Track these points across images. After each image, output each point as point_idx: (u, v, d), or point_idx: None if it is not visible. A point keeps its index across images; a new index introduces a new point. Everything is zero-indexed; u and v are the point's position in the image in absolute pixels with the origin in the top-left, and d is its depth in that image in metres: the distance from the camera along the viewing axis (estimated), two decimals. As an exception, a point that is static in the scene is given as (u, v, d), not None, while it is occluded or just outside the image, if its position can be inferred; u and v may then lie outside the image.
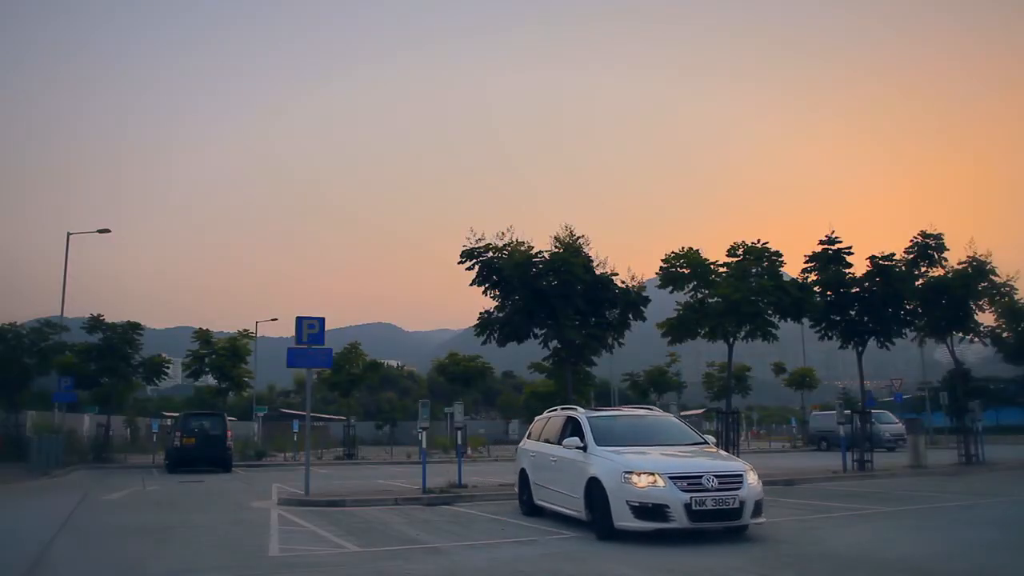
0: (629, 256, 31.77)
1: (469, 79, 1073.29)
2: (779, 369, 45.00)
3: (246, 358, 32.53)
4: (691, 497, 8.09)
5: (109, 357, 28.99)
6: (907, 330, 22.34)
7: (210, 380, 34.82)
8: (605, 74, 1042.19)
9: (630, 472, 8.42)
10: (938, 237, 22.01)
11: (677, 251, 18.95)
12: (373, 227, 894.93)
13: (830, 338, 21.88)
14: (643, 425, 10.42)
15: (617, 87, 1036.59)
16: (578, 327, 18.31)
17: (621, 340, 19.59)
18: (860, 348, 21.49)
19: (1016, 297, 23.77)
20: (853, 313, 21.14)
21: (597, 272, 18.48)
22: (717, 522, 8.29)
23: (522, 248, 18.13)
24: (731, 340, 18.90)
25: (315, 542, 9.27)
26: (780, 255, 18.64)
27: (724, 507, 8.17)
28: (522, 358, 30.29)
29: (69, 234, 30.45)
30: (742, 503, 8.22)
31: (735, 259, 18.69)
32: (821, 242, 20.94)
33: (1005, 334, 27.25)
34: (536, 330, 18.70)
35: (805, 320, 20.67)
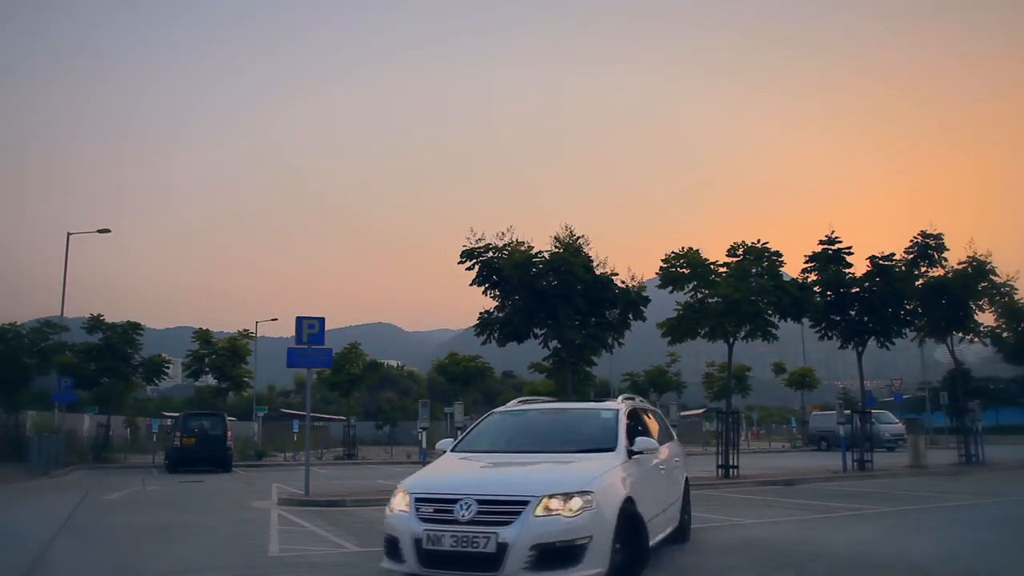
0: (629, 256, 31.84)
1: (470, 79, 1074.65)
2: (779, 369, 44.99)
3: (246, 358, 32.53)
4: (426, 530, 5.64)
5: (109, 357, 28.97)
6: (907, 330, 22.33)
7: (210, 380, 34.80)
8: (605, 74, 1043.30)
9: (397, 491, 6.21)
10: (938, 237, 22.03)
11: (677, 251, 18.92)
12: (373, 227, 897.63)
13: (830, 338, 21.87)
14: (549, 423, 7.75)
15: (617, 87, 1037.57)
16: (578, 327, 18.31)
17: (621, 340, 19.59)
18: (860, 348, 21.48)
19: (1016, 297, 23.80)
20: (853, 313, 21.12)
21: (597, 272, 18.48)
22: (456, 571, 5.58)
23: (522, 248, 18.14)
24: (731, 340, 18.89)
25: (315, 542, 9.27)
26: (780, 255, 18.62)
27: (469, 550, 5.46)
28: (522, 358, 30.30)
29: (69, 234, 30.55)
30: (504, 547, 5.36)
31: (735, 259, 18.67)
32: (821, 242, 20.93)
33: (1005, 334, 27.27)
34: (536, 330, 18.71)
35: (805, 320, 20.65)
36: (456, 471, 6.67)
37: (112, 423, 31.97)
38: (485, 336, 18.93)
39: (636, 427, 7.32)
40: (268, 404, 59.65)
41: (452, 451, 7.30)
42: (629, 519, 5.94)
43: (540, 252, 18.22)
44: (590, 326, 18.69)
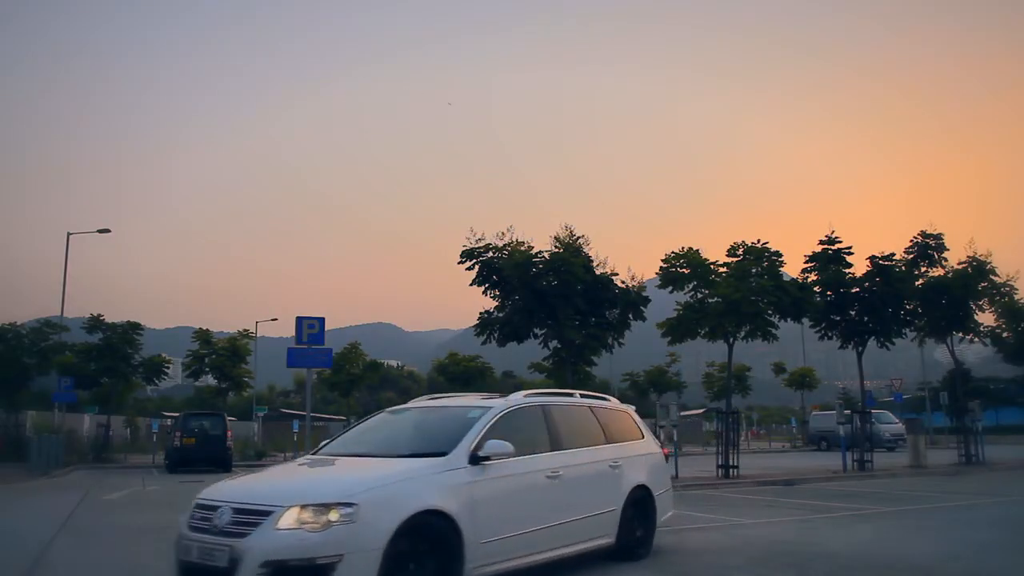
0: (629, 256, 31.86)
1: (470, 79, 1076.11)
2: (779, 369, 45.01)
3: (246, 358, 32.51)
4: (184, 539, 5.28)
5: (109, 357, 28.96)
6: (907, 330, 22.36)
7: (210, 380, 34.80)
8: (605, 74, 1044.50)
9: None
10: (938, 237, 22.06)
11: (677, 251, 18.93)
12: (373, 227, 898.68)
13: (830, 338, 21.89)
14: (416, 423, 6.98)
15: (617, 87, 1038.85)
16: (578, 327, 18.32)
17: (621, 340, 19.60)
18: (860, 348, 21.49)
19: (1016, 297, 23.83)
20: (853, 313, 21.15)
21: (597, 272, 18.50)
22: None
23: (522, 248, 18.16)
24: (731, 340, 18.90)
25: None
26: (780, 255, 18.64)
27: (207, 563, 4.98)
28: (522, 358, 30.24)
29: (69, 234, 30.54)
30: (236, 561, 4.80)
31: (735, 259, 18.68)
32: (821, 242, 20.96)
33: (1005, 334, 27.31)
34: (536, 330, 18.73)
35: (805, 320, 20.67)
36: (260, 475, 6.24)
37: (112, 423, 31.99)
38: (485, 336, 18.94)
39: (530, 428, 6.55)
40: (268, 404, 59.71)
41: (313, 452, 6.81)
42: (428, 536, 5.25)
43: (540, 252, 18.25)
44: (590, 326, 18.70)
